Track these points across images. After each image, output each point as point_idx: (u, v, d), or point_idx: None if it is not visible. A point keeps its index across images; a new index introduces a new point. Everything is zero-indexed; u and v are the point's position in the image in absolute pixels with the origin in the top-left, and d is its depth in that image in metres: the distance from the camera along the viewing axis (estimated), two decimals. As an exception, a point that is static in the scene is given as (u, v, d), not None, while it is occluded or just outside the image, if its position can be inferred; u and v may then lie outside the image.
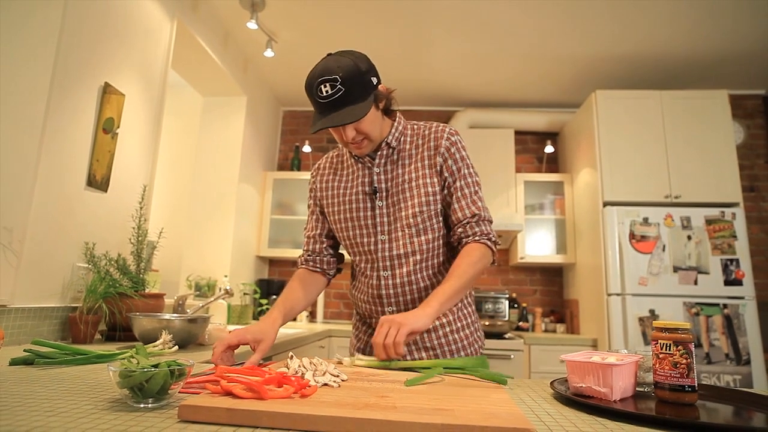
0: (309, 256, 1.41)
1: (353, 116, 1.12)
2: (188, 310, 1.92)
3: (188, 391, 0.77)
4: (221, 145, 3.40)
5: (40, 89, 1.59)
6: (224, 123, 3.42)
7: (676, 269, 2.84)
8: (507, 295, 3.57)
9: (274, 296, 3.57)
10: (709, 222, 2.88)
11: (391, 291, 1.27)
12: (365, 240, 1.29)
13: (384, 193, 1.28)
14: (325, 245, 1.41)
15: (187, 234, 3.31)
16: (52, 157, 1.62)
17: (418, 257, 1.26)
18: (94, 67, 1.82)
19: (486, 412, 0.65)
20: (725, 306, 2.77)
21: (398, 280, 1.26)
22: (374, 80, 1.17)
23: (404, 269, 1.26)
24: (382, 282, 1.28)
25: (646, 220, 2.92)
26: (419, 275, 1.26)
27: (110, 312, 1.62)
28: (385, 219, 1.27)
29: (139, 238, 1.88)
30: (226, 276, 3.15)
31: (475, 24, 2.91)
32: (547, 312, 3.70)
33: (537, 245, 3.68)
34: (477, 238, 1.23)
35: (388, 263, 1.27)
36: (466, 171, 1.27)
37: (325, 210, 1.38)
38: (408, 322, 1.03)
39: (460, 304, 1.32)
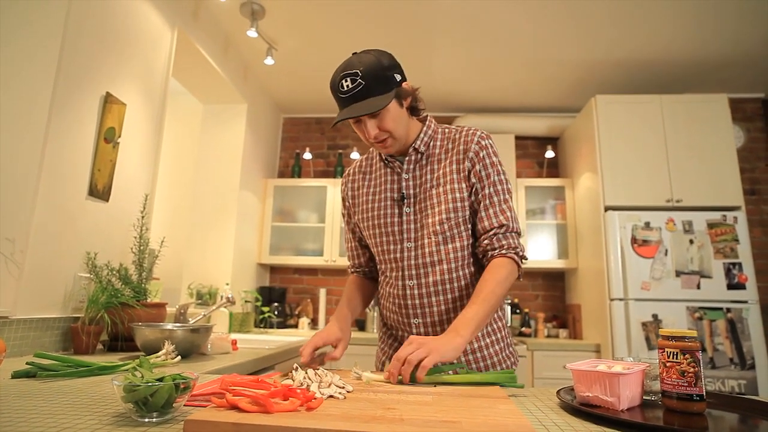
0: (356, 269, 1.42)
1: (371, 108, 1.10)
2: (190, 319, 1.92)
3: (193, 404, 0.77)
4: (222, 153, 3.40)
5: (42, 99, 1.60)
6: (224, 130, 3.42)
7: (678, 274, 2.83)
8: (509, 301, 3.56)
9: (276, 303, 3.57)
10: (710, 226, 2.88)
11: (417, 301, 1.23)
12: (391, 248, 1.25)
13: (412, 200, 1.24)
14: (368, 257, 1.40)
15: (188, 241, 3.30)
16: (53, 167, 1.62)
17: (446, 266, 1.21)
18: (96, 76, 1.83)
19: (494, 424, 0.64)
20: (729, 310, 2.76)
21: (424, 290, 1.22)
22: (397, 77, 1.15)
23: (430, 278, 1.21)
24: (408, 292, 1.23)
25: (647, 224, 2.91)
26: (447, 286, 1.21)
27: (112, 322, 1.61)
28: (412, 226, 1.23)
29: (141, 248, 1.88)
30: (227, 284, 3.15)
31: (475, 30, 2.92)
32: (549, 317, 3.69)
33: (538, 250, 3.67)
34: (504, 251, 1.17)
35: (413, 272, 1.22)
36: (495, 177, 1.21)
37: (355, 217, 1.35)
38: (440, 351, 0.97)
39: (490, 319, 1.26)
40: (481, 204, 1.20)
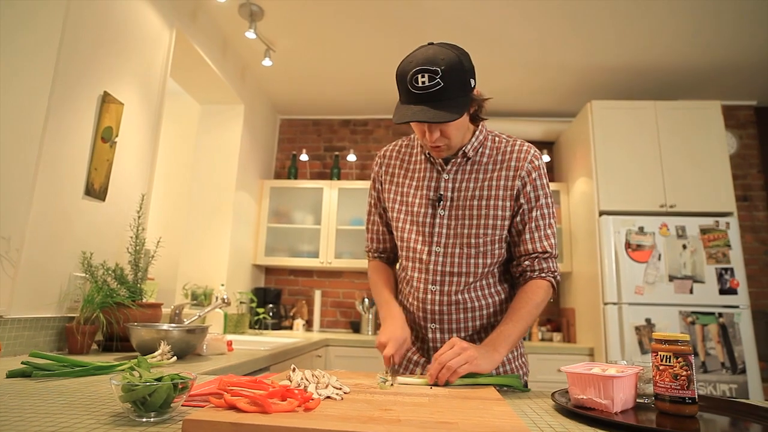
0: (380, 254, 1.39)
1: (446, 117, 1.02)
2: (185, 320, 1.91)
3: (191, 405, 0.77)
4: (218, 153, 3.40)
5: (40, 98, 1.59)
6: (221, 131, 3.42)
7: (671, 278, 2.85)
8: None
9: (271, 305, 3.56)
10: (703, 231, 2.91)
11: (437, 308, 1.22)
12: (419, 247, 1.22)
13: (448, 203, 1.20)
14: (391, 244, 1.37)
15: (183, 242, 3.29)
16: (50, 166, 1.62)
17: (471, 279, 1.20)
18: (94, 76, 1.83)
19: (490, 426, 0.65)
20: (720, 315, 2.78)
21: (446, 298, 1.21)
22: (472, 82, 1.09)
23: (453, 287, 1.20)
24: (429, 296, 1.22)
25: (641, 229, 2.94)
26: (467, 295, 1.21)
27: (107, 322, 1.61)
28: (444, 231, 1.20)
29: (137, 248, 1.87)
30: (222, 285, 3.14)
31: (471, 34, 2.93)
32: (543, 321, 3.71)
33: (533, 254, 3.68)
34: (543, 274, 1.18)
35: (438, 278, 1.21)
36: (544, 201, 1.20)
37: (385, 204, 1.31)
38: (477, 362, 1.00)
39: None
40: (527, 226, 1.19)
